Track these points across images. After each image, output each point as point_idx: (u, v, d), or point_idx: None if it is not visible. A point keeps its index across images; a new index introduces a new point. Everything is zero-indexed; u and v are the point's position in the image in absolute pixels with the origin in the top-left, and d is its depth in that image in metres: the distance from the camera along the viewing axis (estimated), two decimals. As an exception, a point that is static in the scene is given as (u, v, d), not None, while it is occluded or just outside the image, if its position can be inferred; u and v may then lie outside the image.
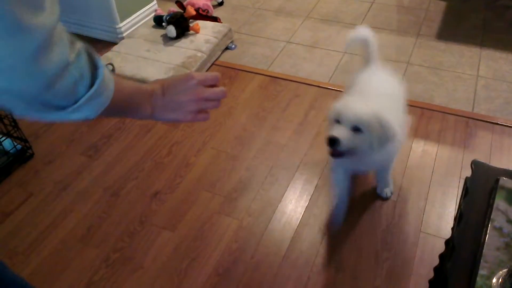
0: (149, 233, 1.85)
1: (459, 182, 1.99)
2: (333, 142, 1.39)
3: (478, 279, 0.99)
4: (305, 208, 1.95)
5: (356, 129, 1.40)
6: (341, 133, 1.40)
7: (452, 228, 1.28)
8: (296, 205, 1.96)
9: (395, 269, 1.68)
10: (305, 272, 1.69)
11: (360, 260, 1.72)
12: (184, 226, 1.88)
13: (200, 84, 0.81)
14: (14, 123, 2.11)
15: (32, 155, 2.20)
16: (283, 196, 2.01)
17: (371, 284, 1.63)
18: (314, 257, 1.74)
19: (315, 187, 2.04)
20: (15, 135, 2.13)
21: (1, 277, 1.00)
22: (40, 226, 1.88)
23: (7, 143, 2.10)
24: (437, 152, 2.15)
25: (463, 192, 1.24)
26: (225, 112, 2.46)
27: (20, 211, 1.96)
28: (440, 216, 1.86)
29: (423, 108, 2.40)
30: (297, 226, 1.87)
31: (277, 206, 1.96)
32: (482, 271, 1.01)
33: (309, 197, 1.99)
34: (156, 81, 0.83)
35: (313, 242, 1.80)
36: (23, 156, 2.16)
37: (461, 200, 1.23)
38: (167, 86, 0.81)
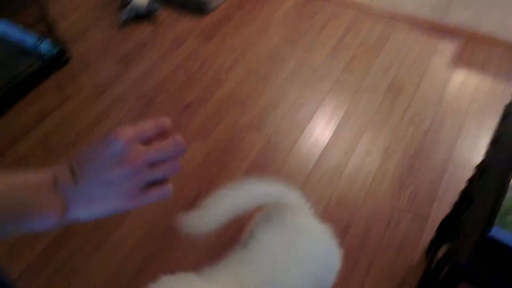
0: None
1: (497, 115, 1.94)
2: None
3: (505, 200, 1.00)
4: (333, 132, 1.96)
5: None
6: None
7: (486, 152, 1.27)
8: (324, 128, 1.97)
9: (419, 193, 1.71)
10: (328, 190, 1.74)
11: (383, 181, 1.75)
12: (214, 138, 1.94)
13: (131, 143, 0.50)
14: (50, 27, 2.12)
15: (68, 60, 2.24)
16: (311, 118, 2.02)
17: (394, 205, 1.68)
18: (337, 179, 1.78)
19: (345, 112, 2.03)
20: (51, 39, 2.15)
21: None
22: (76, 128, 1.97)
23: (44, 47, 2.13)
24: (477, 83, 2.08)
25: (502, 116, 1.21)
26: (257, 32, 2.40)
27: (58, 113, 2.03)
28: (472, 147, 1.84)
29: (469, 36, 2.28)
30: (324, 148, 1.89)
31: (305, 127, 1.98)
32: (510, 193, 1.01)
33: (338, 122, 1.99)
34: (59, 163, 0.53)
35: (339, 164, 1.83)
36: (59, 60, 2.20)
37: (499, 124, 1.21)
38: (78, 165, 0.51)
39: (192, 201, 1.70)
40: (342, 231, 1.59)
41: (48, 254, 1.56)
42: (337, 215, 1.65)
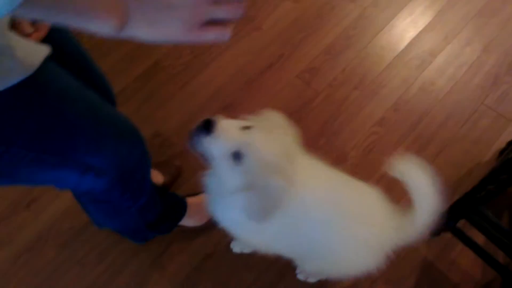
0: (272, -1, 1.88)
1: None
2: (207, 125, 0.81)
3: None
4: (437, 13, 1.81)
5: (238, 157, 0.81)
6: (227, 136, 0.81)
7: None
8: (427, 8, 1.83)
9: (510, 93, 1.61)
10: (414, 75, 1.68)
11: (477, 75, 1.65)
12: (307, 0, 1.87)
13: None
14: None
15: None
16: (416, -5, 1.86)
17: (480, 100, 1.61)
18: (428, 64, 1.70)
19: (455, -5, 1.84)
20: None
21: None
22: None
23: None
24: None
25: None
26: None
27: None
28: None
29: None
30: (421, 29, 1.78)
31: (406, 5, 1.84)
32: None
33: (444, 3, 1.82)
34: None
35: (433, 49, 1.73)
36: None
37: None
38: None
39: (274, 63, 1.74)
40: (417, 118, 1.59)
41: (141, 82, 1.73)
42: (417, 101, 1.63)
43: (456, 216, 1.20)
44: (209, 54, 1.78)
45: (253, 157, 0.77)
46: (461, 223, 1.32)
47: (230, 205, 0.91)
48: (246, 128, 0.82)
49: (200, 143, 0.82)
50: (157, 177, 1.45)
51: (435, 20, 1.79)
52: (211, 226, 1.42)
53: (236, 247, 1.37)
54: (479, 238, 1.25)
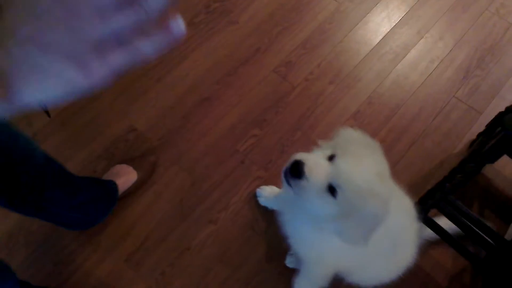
0: (248, -7, 1.87)
1: None
2: (296, 171, 0.81)
3: None
4: (411, 8, 1.83)
5: (332, 190, 0.80)
6: (316, 177, 0.80)
7: None
8: (402, 3, 1.85)
9: (481, 87, 1.65)
10: (388, 68, 1.71)
11: (449, 69, 1.69)
12: (283, -5, 1.87)
13: None
14: None
15: None
16: (390, -10, 1.88)
17: (452, 93, 1.64)
18: (402, 58, 1.73)
19: (428, -10, 1.87)
20: None
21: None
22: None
23: None
24: None
25: None
26: None
27: None
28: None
29: None
30: (396, 24, 1.80)
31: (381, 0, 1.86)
32: None
33: (417, -1, 1.85)
34: None
35: (407, 43, 1.75)
36: None
37: None
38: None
39: (250, 57, 1.73)
40: (391, 111, 1.61)
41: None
42: (390, 94, 1.65)
43: (427, 206, 1.23)
44: (185, 48, 1.76)
45: (347, 187, 0.77)
46: (433, 213, 1.35)
47: (315, 229, 0.92)
48: (332, 157, 0.81)
49: (295, 186, 0.82)
50: (131, 173, 1.43)
51: (409, 15, 1.81)
52: (186, 223, 1.42)
53: (291, 263, 1.34)
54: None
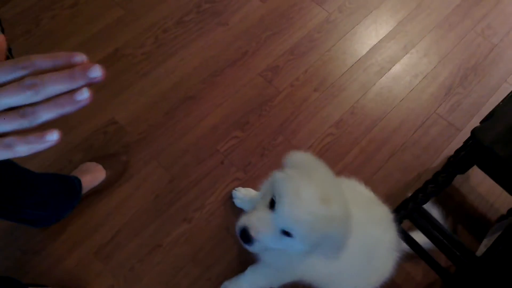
0: (240, -4, 1.88)
1: None
2: (245, 238, 0.83)
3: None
4: (398, 23, 1.86)
5: (287, 233, 0.81)
6: (263, 233, 0.81)
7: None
8: (390, 17, 1.88)
9: (462, 105, 1.68)
10: (372, 81, 1.72)
11: (431, 85, 1.72)
12: (274, 1, 1.89)
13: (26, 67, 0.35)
14: None
15: None
16: (380, 4, 1.91)
17: (433, 109, 1.67)
18: (386, 71, 1.75)
19: (418, 5, 1.90)
20: None
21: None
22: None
23: None
24: None
25: None
26: None
27: None
28: (534, 74, 1.74)
29: None
30: (383, 37, 1.82)
31: (370, 13, 1.89)
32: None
33: (407, 14, 1.89)
34: None
35: (393, 57, 1.78)
36: None
37: None
38: None
39: (238, 59, 1.74)
40: (372, 122, 1.62)
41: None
42: (373, 106, 1.66)
43: (400, 217, 1.23)
44: (173, 46, 1.76)
45: (296, 227, 0.77)
46: (407, 226, 1.36)
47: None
48: (272, 203, 0.81)
49: (252, 249, 0.84)
50: (100, 172, 1.41)
51: (396, 30, 1.84)
52: (160, 219, 1.40)
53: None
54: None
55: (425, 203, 1.13)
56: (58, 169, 1.46)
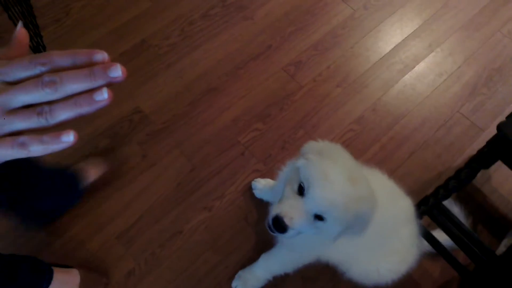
0: (265, -9, 1.90)
1: None
2: (280, 227, 0.82)
3: None
4: (424, 21, 1.86)
5: (319, 216, 0.81)
6: (298, 221, 0.81)
7: None
8: (416, 15, 1.87)
9: (486, 106, 1.66)
10: (395, 78, 1.72)
11: (455, 84, 1.70)
12: (300, -4, 1.90)
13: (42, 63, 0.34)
14: None
15: None
16: (406, 3, 1.90)
17: (456, 108, 1.65)
18: (410, 69, 1.74)
19: (444, 4, 1.89)
20: None
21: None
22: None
23: None
24: None
25: None
26: None
27: None
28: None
29: None
30: (408, 35, 1.82)
31: (396, 10, 1.89)
32: None
33: (433, 13, 1.87)
34: None
35: (417, 55, 1.77)
36: None
37: None
38: None
39: (261, 53, 1.76)
40: (394, 119, 1.62)
41: (126, 57, 1.72)
42: (395, 103, 1.66)
43: (420, 213, 1.23)
44: (198, 38, 1.79)
45: (329, 210, 0.78)
46: (426, 223, 1.36)
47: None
48: (300, 189, 0.82)
49: (286, 237, 0.83)
50: (98, 166, 1.43)
51: (422, 28, 1.83)
52: (180, 207, 1.43)
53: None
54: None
55: (446, 199, 1.13)
56: (84, 155, 1.50)
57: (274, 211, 0.82)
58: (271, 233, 0.85)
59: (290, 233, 0.81)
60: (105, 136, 1.55)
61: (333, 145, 0.87)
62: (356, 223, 0.80)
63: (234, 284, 1.29)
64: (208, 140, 1.56)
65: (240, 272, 1.30)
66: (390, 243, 1.04)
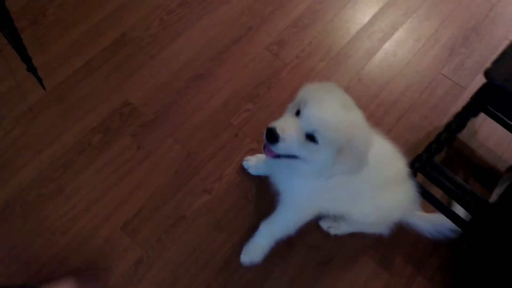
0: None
1: None
2: (271, 137, 0.88)
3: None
4: (397, -9, 1.89)
5: (311, 137, 0.87)
6: (289, 133, 0.87)
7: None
8: (389, -14, 1.90)
9: (465, 64, 1.71)
10: (376, 47, 1.75)
11: (434, 47, 1.75)
12: (275, -24, 1.91)
13: None
14: None
15: None
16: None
17: (437, 70, 1.70)
18: (389, 36, 1.78)
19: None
20: None
21: None
22: None
23: None
24: None
25: None
26: None
27: None
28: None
29: None
30: (384, 5, 1.85)
31: (369, -18, 1.91)
32: None
33: (405, -19, 1.91)
34: None
35: (395, 23, 1.81)
36: None
37: None
38: None
39: (243, 35, 1.77)
40: (379, 87, 1.66)
41: (108, 53, 1.71)
42: (379, 71, 1.70)
43: (414, 170, 1.28)
44: (178, 26, 1.79)
45: (321, 128, 0.84)
46: (422, 180, 1.40)
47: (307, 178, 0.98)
48: (298, 112, 0.88)
49: (276, 150, 0.90)
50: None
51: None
52: (180, 193, 1.45)
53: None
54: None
55: (438, 152, 1.17)
56: (79, 152, 1.50)
57: (270, 125, 0.88)
58: (265, 151, 0.93)
59: (281, 144, 0.87)
60: (97, 131, 1.55)
61: (331, 83, 0.95)
62: (350, 151, 0.85)
63: (242, 258, 1.32)
64: (200, 125, 1.58)
65: (245, 246, 1.33)
66: (387, 192, 1.10)
